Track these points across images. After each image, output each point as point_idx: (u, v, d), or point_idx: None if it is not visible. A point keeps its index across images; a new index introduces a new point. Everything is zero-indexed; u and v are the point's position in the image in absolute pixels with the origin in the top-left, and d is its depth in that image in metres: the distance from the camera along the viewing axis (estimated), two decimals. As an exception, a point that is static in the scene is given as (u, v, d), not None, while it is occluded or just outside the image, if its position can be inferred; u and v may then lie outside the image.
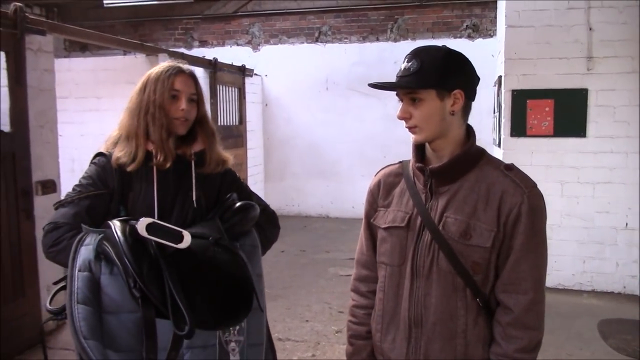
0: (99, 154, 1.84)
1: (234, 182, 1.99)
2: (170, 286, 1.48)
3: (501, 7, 5.57)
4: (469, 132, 1.50)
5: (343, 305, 4.67)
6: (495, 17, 7.00)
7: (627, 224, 4.89)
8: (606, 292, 4.96)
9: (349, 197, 8.42)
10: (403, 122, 1.47)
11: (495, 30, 7.04)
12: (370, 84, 1.48)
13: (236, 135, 7.63)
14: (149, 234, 1.50)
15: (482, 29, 7.94)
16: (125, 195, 1.79)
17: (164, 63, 1.85)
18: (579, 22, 4.85)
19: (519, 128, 5.03)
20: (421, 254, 1.46)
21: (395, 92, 1.48)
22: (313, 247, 6.76)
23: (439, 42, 7.69)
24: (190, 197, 1.82)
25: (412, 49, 1.47)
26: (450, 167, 1.45)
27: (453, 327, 1.44)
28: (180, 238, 1.55)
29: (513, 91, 5.00)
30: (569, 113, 4.92)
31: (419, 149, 1.52)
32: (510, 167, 1.46)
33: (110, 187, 1.78)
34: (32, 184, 3.88)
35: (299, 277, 5.51)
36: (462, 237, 1.41)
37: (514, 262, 1.41)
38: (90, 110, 6.46)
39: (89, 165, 1.83)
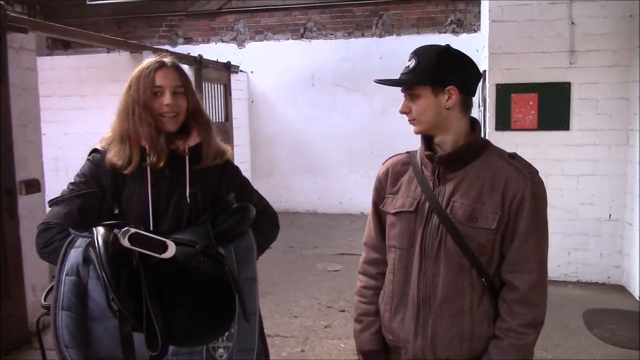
0: (94, 150, 1.82)
1: (236, 178, 1.94)
2: (147, 302, 1.45)
3: (485, 2, 5.60)
4: (474, 125, 1.60)
5: (331, 300, 4.69)
6: (479, 12, 7.03)
7: (610, 215, 4.96)
8: (591, 283, 5.02)
9: (336, 193, 8.43)
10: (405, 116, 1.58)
11: (479, 25, 7.07)
12: (376, 80, 1.61)
13: (222, 132, 7.59)
14: (131, 245, 1.47)
15: (467, 24, 7.98)
16: (120, 193, 1.75)
17: (148, 59, 1.79)
18: (561, 16, 4.89)
19: (503, 122, 5.07)
20: (430, 236, 1.55)
21: (400, 89, 1.58)
22: (301, 243, 6.76)
23: (424, 37, 7.71)
24: (185, 194, 1.77)
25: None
26: (457, 155, 1.55)
27: (460, 305, 1.53)
28: (164, 248, 1.51)
29: (497, 85, 5.04)
30: (552, 106, 4.96)
31: (427, 139, 1.61)
32: (514, 156, 1.57)
33: (103, 185, 1.75)
34: (16, 183, 3.83)
35: (287, 273, 5.51)
36: (469, 220, 1.51)
37: (519, 244, 1.50)
38: (74, 109, 6.40)
39: (84, 162, 1.81)
